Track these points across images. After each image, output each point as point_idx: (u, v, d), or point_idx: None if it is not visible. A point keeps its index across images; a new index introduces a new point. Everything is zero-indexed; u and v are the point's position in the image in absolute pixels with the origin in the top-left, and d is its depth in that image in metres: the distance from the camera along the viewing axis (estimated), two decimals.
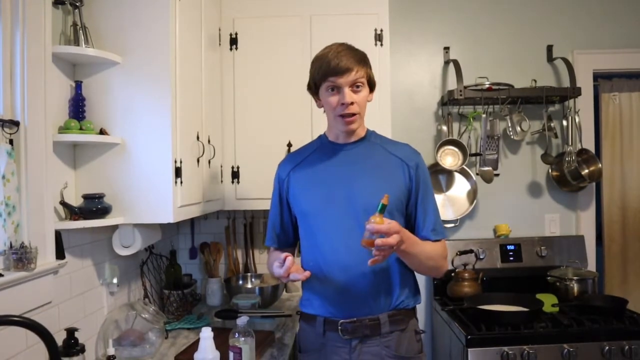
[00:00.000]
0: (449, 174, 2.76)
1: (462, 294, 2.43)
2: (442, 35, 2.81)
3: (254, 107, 2.34)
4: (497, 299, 2.32)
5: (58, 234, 1.52)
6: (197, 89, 1.99)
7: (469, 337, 2.04)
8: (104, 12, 1.68)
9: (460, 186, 2.78)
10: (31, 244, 1.37)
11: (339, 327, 1.49)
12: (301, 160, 1.62)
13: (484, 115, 2.65)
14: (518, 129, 2.68)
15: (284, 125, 2.33)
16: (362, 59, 1.48)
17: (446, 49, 2.78)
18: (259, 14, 2.35)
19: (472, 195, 2.75)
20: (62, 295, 1.58)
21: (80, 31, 1.61)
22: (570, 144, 2.65)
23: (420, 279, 2.31)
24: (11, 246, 1.32)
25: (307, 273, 1.40)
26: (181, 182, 1.75)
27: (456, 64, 2.64)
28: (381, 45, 2.32)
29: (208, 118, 2.11)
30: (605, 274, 2.88)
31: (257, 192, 2.33)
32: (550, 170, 2.78)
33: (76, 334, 1.46)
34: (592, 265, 2.72)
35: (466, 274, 2.50)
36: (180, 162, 1.75)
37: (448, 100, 2.66)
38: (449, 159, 2.67)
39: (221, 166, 2.33)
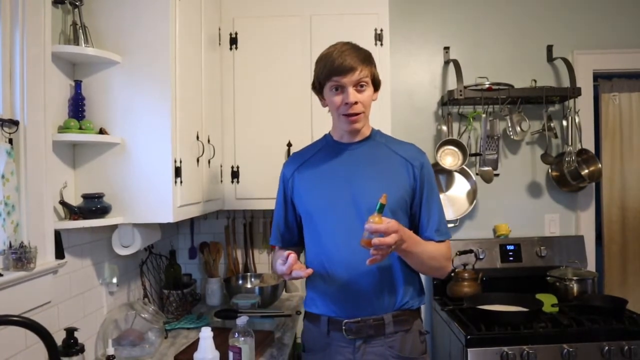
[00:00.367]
0: (448, 174, 2.76)
1: (462, 294, 2.43)
2: (442, 35, 2.80)
3: (254, 107, 2.34)
4: (496, 299, 2.32)
5: (57, 234, 1.52)
6: (197, 88, 1.99)
7: (469, 337, 2.04)
8: (103, 11, 1.68)
9: (460, 186, 2.78)
10: (30, 243, 1.36)
11: (343, 327, 1.49)
12: (306, 159, 1.62)
13: (483, 115, 2.65)
14: (518, 129, 2.68)
15: (284, 125, 2.32)
16: (366, 58, 1.48)
17: (446, 49, 2.78)
18: (259, 14, 2.35)
19: (472, 195, 2.75)
20: (62, 295, 1.58)
21: (80, 30, 1.61)
22: (570, 144, 2.65)
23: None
24: (10, 246, 1.32)
25: (310, 270, 1.40)
26: (181, 182, 1.75)
27: (456, 63, 2.64)
28: (381, 45, 2.31)
29: (208, 118, 2.11)
30: (605, 274, 2.88)
31: (256, 192, 2.33)
32: (550, 171, 2.78)
33: (76, 334, 1.46)
34: (591, 266, 2.72)
35: (466, 274, 2.50)
36: (180, 161, 1.75)
37: (448, 100, 2.66)
38: (449, 159, 2.67)
39: (221, 166, 2.33)
